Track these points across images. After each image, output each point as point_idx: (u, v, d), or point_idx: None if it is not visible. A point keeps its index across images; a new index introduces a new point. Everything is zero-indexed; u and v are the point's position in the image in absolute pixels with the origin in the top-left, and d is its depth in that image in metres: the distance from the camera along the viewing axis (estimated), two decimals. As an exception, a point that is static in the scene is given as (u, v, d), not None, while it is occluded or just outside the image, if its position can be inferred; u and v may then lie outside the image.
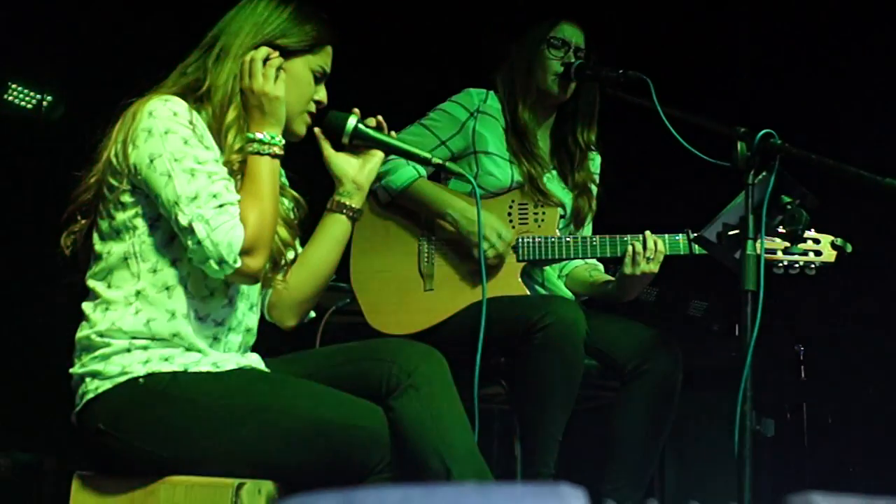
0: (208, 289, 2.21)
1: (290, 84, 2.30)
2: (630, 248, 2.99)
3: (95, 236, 2.23)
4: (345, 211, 2.42)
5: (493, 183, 3.14)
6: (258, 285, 2.30)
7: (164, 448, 2.10)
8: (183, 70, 2.28)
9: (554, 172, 3.23)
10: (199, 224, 2.08)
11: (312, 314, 2.52)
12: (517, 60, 3.21)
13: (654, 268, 2.98)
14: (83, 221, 2.26)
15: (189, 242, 2.10)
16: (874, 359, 5.05)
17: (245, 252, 2.11)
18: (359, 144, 2.43)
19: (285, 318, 2.45)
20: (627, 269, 2.99)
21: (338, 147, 2.43)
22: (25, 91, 4.87)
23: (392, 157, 3.05)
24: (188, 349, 2.18)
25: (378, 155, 2.45)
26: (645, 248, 2.98)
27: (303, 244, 2.45)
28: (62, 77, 4.90)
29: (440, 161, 2.52)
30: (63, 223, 2.26)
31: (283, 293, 2.41)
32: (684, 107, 2.57)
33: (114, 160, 2.18)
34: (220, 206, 2.10)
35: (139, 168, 2.14)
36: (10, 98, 4.83)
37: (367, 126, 2.42)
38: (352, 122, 2.40)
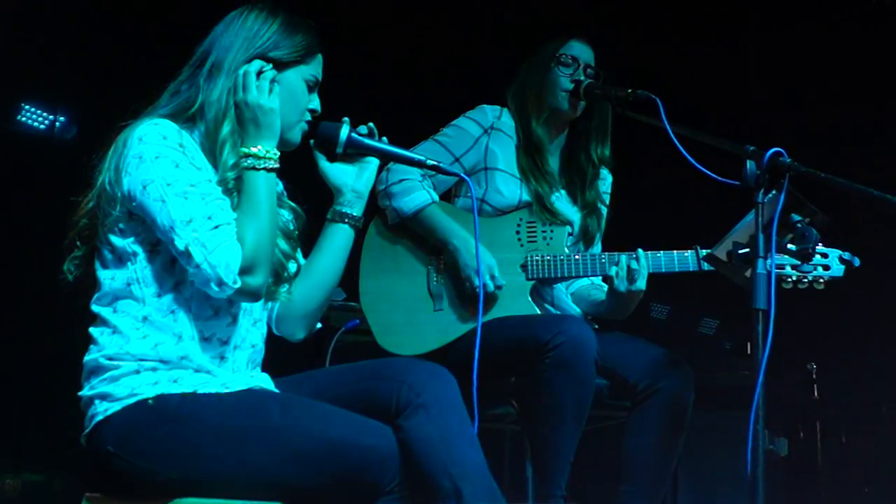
0: (212, 308, 2.20)
1: (285, 95, 2.29)
2: (613, 269, 2.99)
3: (97, 262, 2.23)
4: (346, 220, 2.41)
5: (501, 200, 3.14)
6: (260, 301, 2.30)
7: (173, 469, 2.09)
8: (175, 89, 2.27)
9: (563, 192, 3.23)
10: (195, 247, 2.08)
11: (319, 325, 2.52)
12: (528, 77, 3.22)
13: (641, 285, 2.98)
14: (84, 247, 2.26)
15: (188, 266, 2.10)
16: (888, 377, 5.02)
17: (244, 271, 2.10)
18: (353, 153, 2.42)
19: (294, 330, 2.44)
20: (622, 288, 2.98)
21: (332, 157, 2.42)
22: (38, 112, 4.90)
23: (407, 177, 3.08)
24: (197, 371, 2.18)
25: (374, 162, 2.44)
26: (627, 268, 2.97)
27: (304, 255, 2.45)
28: (75, 98, 4.93)
29: (435, 163, 2.49)
30: (65, 249, 2.26)
31: (289, 306, 2.40)
32: (693, 125, 2.57)
33: (108, 187, 2.17)
34: (216, 227, 2.10)
35: (133, 195, 2.13)
36: (24, 119, 4.86)
37: (359, 134, 2.42)
38: (344, 131, 2.39)
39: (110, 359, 2.16)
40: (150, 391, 2.13)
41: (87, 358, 2.20)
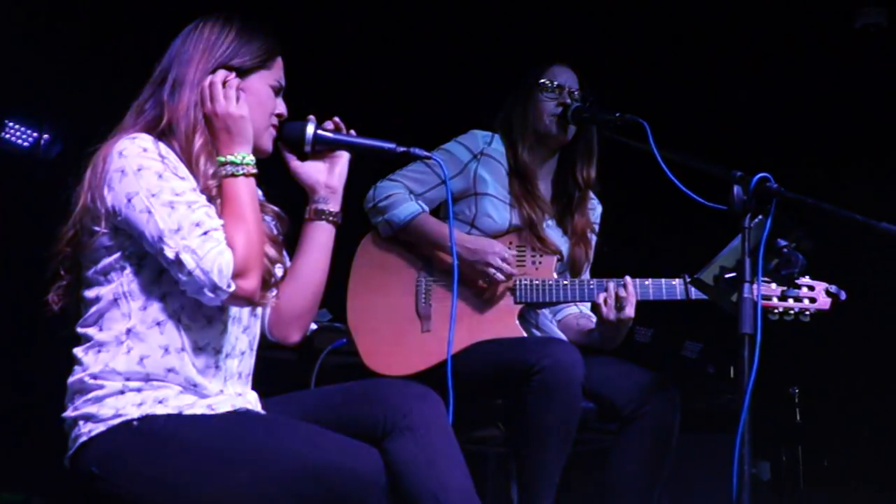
0: (205, 317, 2.19)
1: (251, 102, 2.29)
2: (601, 296, 2.99)
3: (83, 286, 2.22)
4: (324, 217, 2.40)
5: (490, 225, 3.15)
6: (248, 308, 2.29)
7: (158, 492, 2.07)
8: (139, 108, 2.26)
9: (553, 220, 3.24)
10: (186, 255, 2.07)
11: (314, 326, 2.50)
12: (514, 105, 3.24)
13: (630, 313, 2.98)
14: (68, 276, 2.24)
15: (180, 275, 2.09)
16: (869, 401, 5.05)
17: (237, 275, 2.10)
18: (322, 149, 2.42)
19: (288, 334, 2.41)
20: (612, 316, 2.99)
21: (302, 157, 2.42)
22: (22, 129, 4.88)
23: (394, 191, 3.09)
24: (184, 386, 2.16)
25: (344, 155, 2.44)
26: (615, 296, 2.98)
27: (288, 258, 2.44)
28: (59, 114, 4.91)
29: (405, 149, 2.47)
30: (48, 281, 2.24)
31: (281, 310, 2.39)
32: (681, 150, 2.58)
33: (91, 206, 2.16)
34: (205, 233, 2.09)
35: (118, 209, 2.13)
36: (8, 136, 4.83)
37: (325, 130, 2.42)
38: (310, 129, 2.39)
39: (94, 378, 2.14)
40: (135, 412, 2.11)
41: (71, 379, 2.18)
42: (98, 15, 4.59)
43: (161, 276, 2.16)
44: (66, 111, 4.84)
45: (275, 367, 2.47)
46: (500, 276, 3.03)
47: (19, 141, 4.87)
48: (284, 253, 2.41)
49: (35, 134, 4.89)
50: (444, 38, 5.00)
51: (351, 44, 4.96)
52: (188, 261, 2.06)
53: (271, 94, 2.35)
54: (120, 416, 2.11)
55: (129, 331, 2.15)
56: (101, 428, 2.11)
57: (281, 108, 2.37)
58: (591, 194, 3.31)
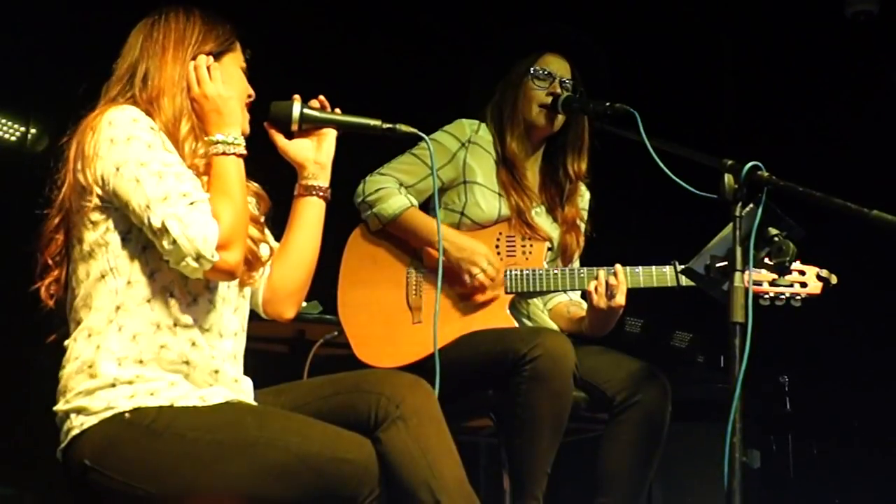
0: (191, 295, 2.19)
1: (232, 84, 2.31)
2: (592, 284, 2.99)
3: (71, 272, 2.22)
4: (314, 192, 2.43)
5: (480, 214, 3.15)
6: (235, 288, 2.29)
7: (151, 484, 2.07)
8: (111, 100, 2.26)
9: (542, 208, 3.23)
10: (172, 222, 2.06)
11: (305, 304, 2.51)
12: (504, 94, 3.23)
13: (620, 300, 2.98)
14: (58, 267, 2.24)
15: (164, 243, 2.08)
16: (858, 390, 5.07)
17: (221, 247, 2.10)
18: (308, 128, 2.45)
19: (282, 310, 2.44)
20: (602, 304, 2.99)
21: (289, 135, 2.45)
22: (9, 123, 4.85)
23: (384, 186, 3.09)
24: (177, 366, 2.16)
25: (331, 132, 2.46)
26: (606, 283, 2.98)
27: (276, 238, 2.45)
28: (46, 109, 4.88)
29: (391, 125, 2.48)
30: (37, 277, 2.24)
31: (275, 287, 2.41)
32: (672, 139, 2.58)
33: (80, 178, 2.16)
34: (192, 203, 2.10)
35: (106, 178, 2.13)
36: (-6, 130, 4.81)
37: (311, 109, 2.45)
38: (297, 108, 2.42)
39: (90, 366, 2.13)
40: (127, 404, 2.11)
41: (62, 372, 2.18)
42: (87, 8, 4.56)
43: (146, 251, 2.16)
44: (54, 105, 4.81)
45: (267, 359, 2.47)
46: (482, 277, 3.03)
47: (6, 136, 4.84)
48: (267, 232, 2.42)
49: (22, 128, 4.86)
50: (429, 28, 4.99)
51: (336, 29, 4.94)
52: (173, 228, 2.06)
53: (242, 75, 2.37)
54: (111, 408, 2.11)
55: (118, 308, 2.15)
56: (92, 420, 2.11)
57: (249, 89, 2.39)
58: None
